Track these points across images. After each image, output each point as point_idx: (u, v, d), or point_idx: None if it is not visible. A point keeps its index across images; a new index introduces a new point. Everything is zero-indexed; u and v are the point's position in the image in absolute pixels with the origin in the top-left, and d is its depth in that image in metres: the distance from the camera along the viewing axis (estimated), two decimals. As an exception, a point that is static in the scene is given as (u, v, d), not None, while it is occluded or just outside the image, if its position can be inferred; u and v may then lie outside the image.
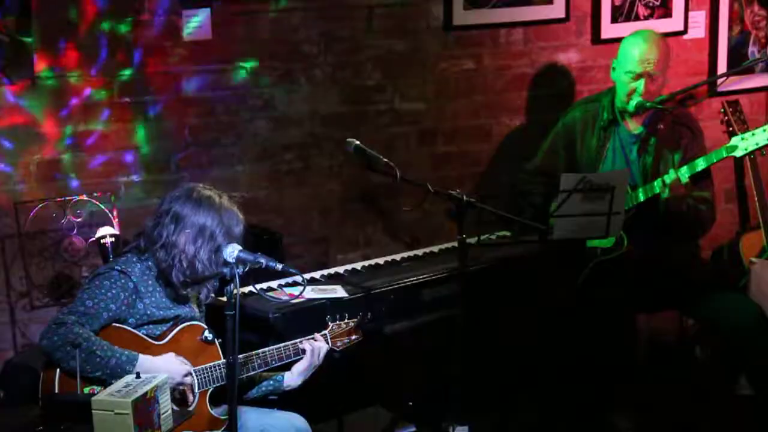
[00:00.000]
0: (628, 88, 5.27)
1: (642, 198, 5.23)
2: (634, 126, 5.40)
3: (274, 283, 4.69)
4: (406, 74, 5.72)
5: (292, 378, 4.29)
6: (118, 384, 3.77)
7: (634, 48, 5.26)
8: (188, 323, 4.15)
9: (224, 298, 3.78)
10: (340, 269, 5.00)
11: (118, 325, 4.03)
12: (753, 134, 5.18)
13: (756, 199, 5.87)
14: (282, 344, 4.23)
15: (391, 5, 5.59)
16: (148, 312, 4.08)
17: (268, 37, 5.39)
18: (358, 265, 5.06)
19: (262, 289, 4.51)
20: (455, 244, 4.41)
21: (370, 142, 4.70)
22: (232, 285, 3.75)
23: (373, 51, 5.61)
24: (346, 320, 4.40)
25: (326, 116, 5.57)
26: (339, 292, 4.66)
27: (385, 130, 5.70)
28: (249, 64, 5.38)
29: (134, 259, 4.11)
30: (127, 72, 5.15)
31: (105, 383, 3.88)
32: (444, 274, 4.84)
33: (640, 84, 5.24)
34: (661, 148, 5.34)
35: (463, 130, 5.91)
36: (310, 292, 4.59)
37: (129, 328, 4.05)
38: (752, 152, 5.21)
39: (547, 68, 6.03)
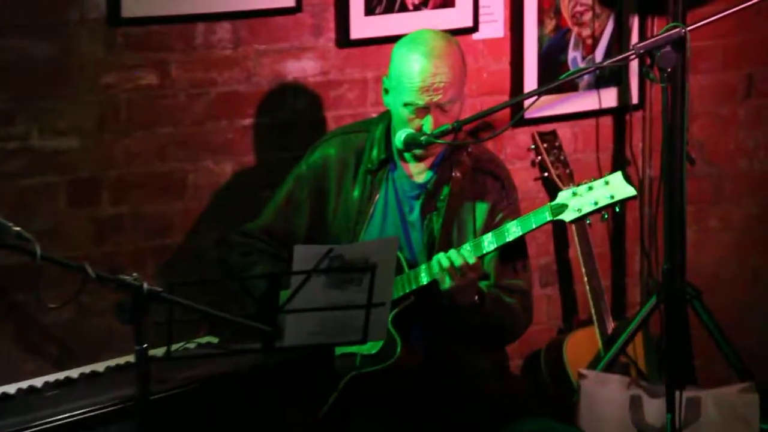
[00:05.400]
0: (412, 126, 4.55)
1: (425, 281, 4.51)
2: (418, 171, 4.66)
3: None
4: (49, 94, 4.85)
5: None
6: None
7: (411, 67, 4.52)
8: None
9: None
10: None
11: None
12: (590, 188, 4.38)
13: (585, 280, 5.16)
14: None
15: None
16: None
17: None
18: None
19: None
20: (131, 358, 3.90)
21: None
22: None
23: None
24: None
25: None
26: None
27: (17, 181, 4.84)
28: None
29: None
30: None
31: None
32: (112, 406, 4.02)
33: (428, 121, 4.53)
34: (455, 206, 4.63)
35: (141, 181, 5.05)
36: None
37: None
38: (587, 216, 4.36)
39: (270, 84, 5.16)
